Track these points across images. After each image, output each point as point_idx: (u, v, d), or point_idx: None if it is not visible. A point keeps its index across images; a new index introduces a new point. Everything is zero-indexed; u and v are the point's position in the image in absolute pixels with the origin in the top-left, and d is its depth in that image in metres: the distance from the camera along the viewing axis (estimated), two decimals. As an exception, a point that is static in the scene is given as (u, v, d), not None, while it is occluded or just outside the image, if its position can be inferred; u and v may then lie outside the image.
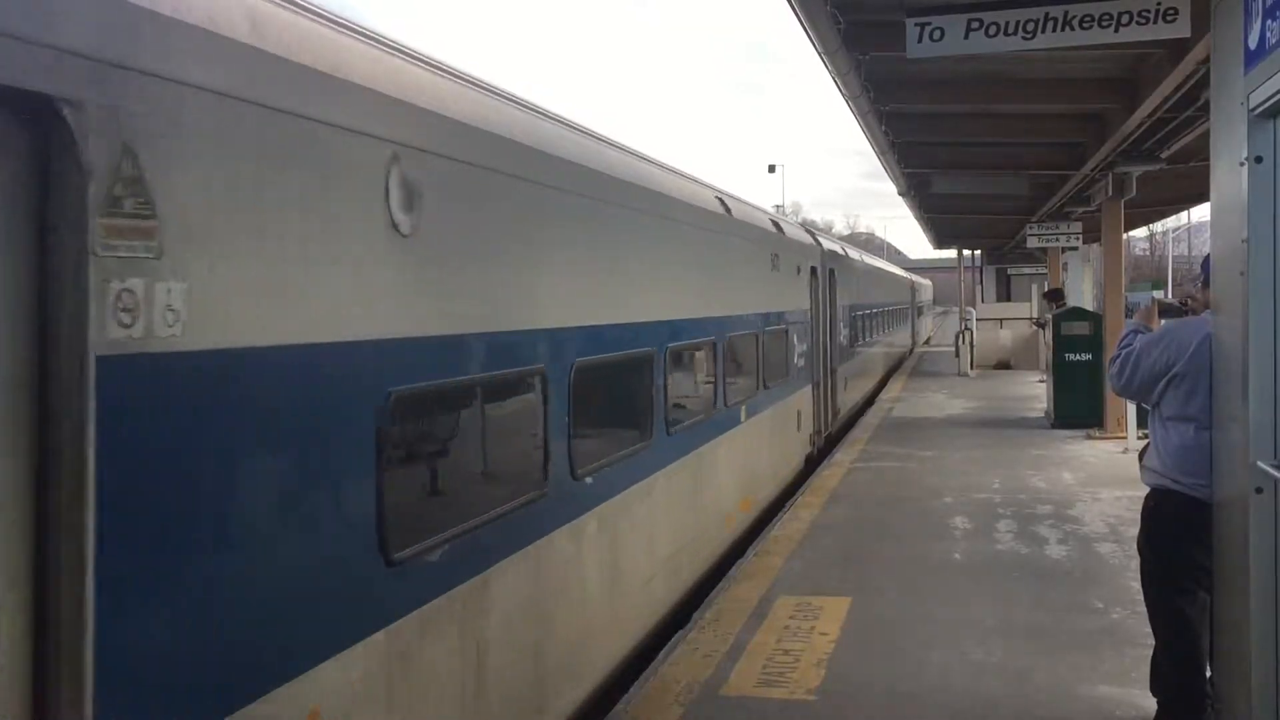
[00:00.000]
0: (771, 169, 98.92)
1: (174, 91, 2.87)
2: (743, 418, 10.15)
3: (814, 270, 14.57)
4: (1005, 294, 38.76)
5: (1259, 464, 4.12)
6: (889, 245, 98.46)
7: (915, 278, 46.73)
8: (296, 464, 3.39)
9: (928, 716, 5.78)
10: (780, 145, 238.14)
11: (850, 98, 11.21)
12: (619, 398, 7.12)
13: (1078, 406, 17.12)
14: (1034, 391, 22.93)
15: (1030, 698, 5.96)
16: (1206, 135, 5.14)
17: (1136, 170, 14.99)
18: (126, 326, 2.68)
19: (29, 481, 2.57)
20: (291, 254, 3.33)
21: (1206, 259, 5.20)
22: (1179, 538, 5.14)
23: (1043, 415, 18.92)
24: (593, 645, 6.08)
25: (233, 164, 3.10)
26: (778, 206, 35.57)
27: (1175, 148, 13.87)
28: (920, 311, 49.43)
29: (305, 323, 3.39)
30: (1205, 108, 9.61)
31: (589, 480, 5.94)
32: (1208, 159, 4.91)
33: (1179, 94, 10.60)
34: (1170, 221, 52.27)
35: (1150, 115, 11.75)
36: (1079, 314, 18.46)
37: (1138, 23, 7.43)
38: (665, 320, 7.54)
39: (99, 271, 2.61)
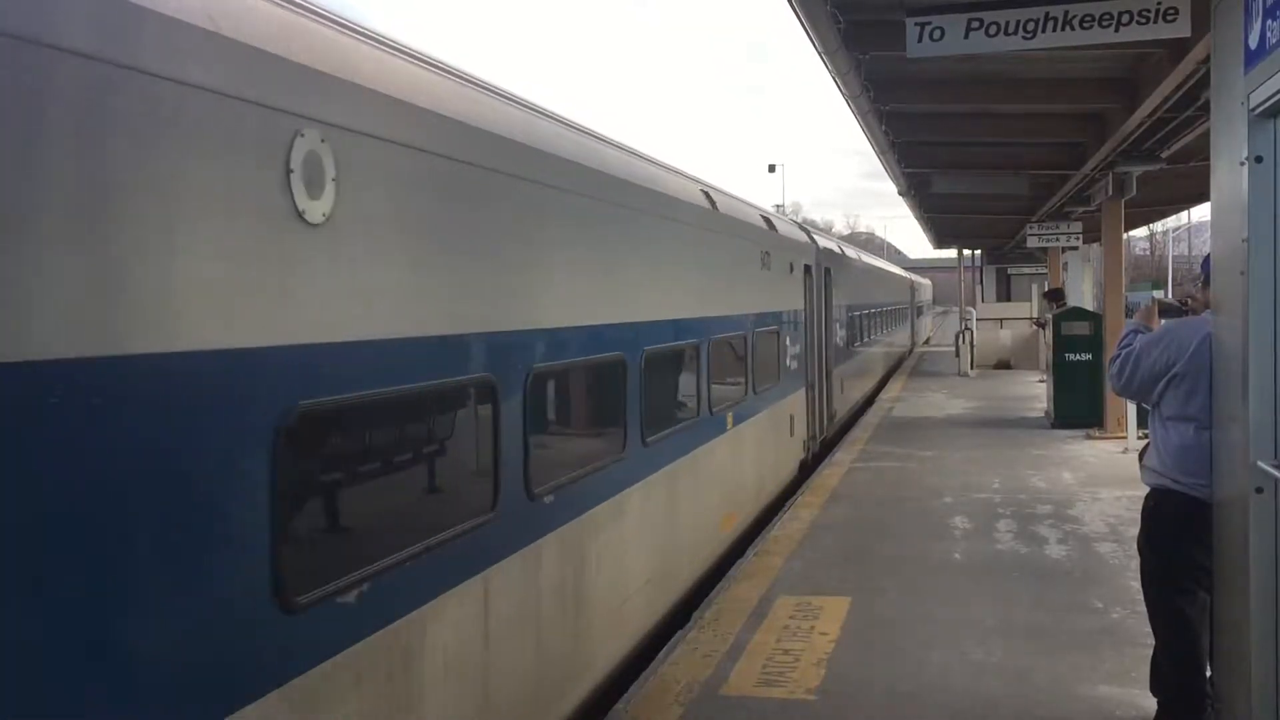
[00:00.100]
0: (771, 169, 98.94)
1: None
2: (729, 425, 9.58)
3: (808, 269, 14.10)
4: (1005, 294, 38.77)
5: (1259, 464, 4.12)
6: (889, 245, 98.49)
7: (915, 277, 46.67)
8: (164, 493, 2.86)
9: (927, 716, 5.78)
10: (780, 145, 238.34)
11: (850, 97, 11.21)
12: (585, 407, 6.59)
13: (1078, 406, 17.13)
14: (1034, 391, 22.93)
15: (1030, 698, 5.96)
16: (1206, 135, 5.14)
17: (1136, 170, 14.99)
18: None
19: None
20: (151, 244, 2.81)
21: (1206, 259, 5.20)
22: (1179, 538, 5.14)
23: (1043, 415, 18.92)
24: (549, 685, 5.45)
25: (62, 135, 2.57)
26: (778, 206, 35.57)
27: (1175, 147, 13.87)
28: (920, 311, 49.37)
29: (160, 327, 2.84)
30: (1205, 107, 9.63)
31: (548, 500, 5.36)
32: (1208, 159, 4.92)
33: (1179, 94, 10.60)
34: (1170, 221, 52.34)
35: (1150, 115, 11.75)
36: (1079, 314, 18.46)
37: (1138, 22, 7.43)
38: (640, 322, 6.95)
39: None
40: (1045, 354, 20.18)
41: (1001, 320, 33.78)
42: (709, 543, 8.95)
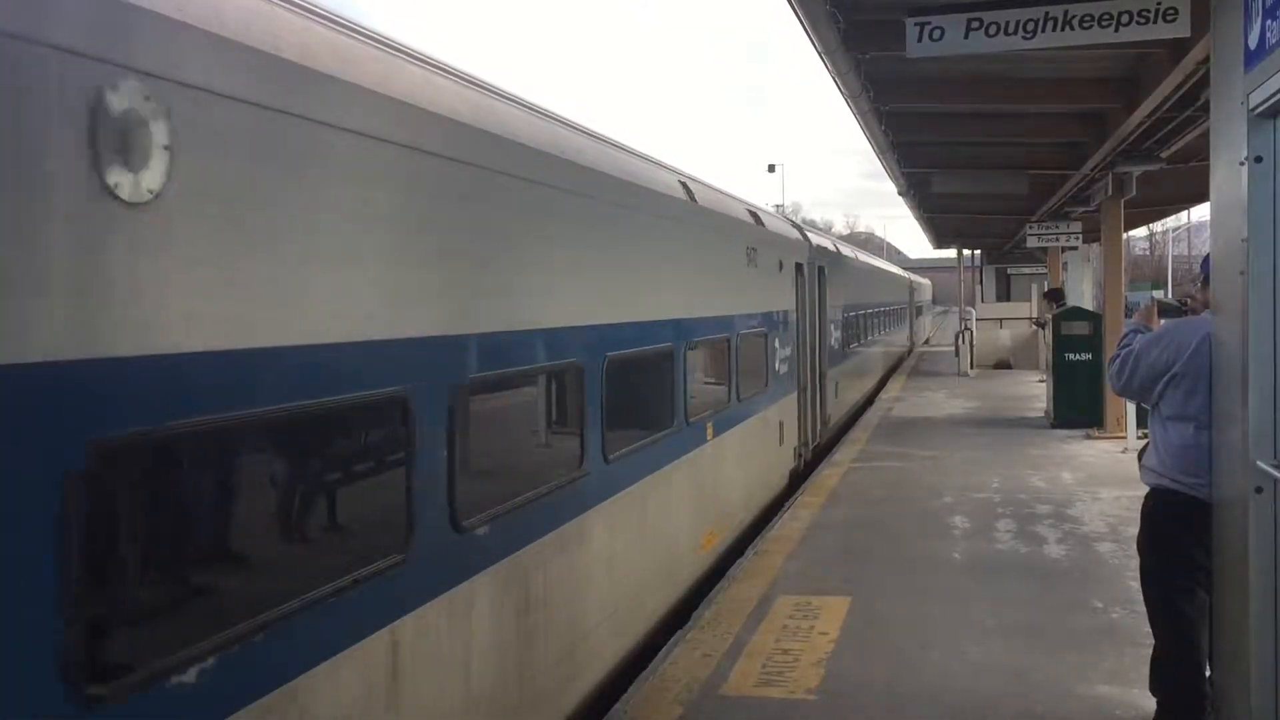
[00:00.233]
0: (771, 169, 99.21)
1: None
2: (709, 435, 8.86)
3: (800, 267, 13.48)
4: (1005, 294, 38.80)
5: (1259, 463, 4.12)
6: (889, 245, 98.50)
7: (914, 276, 46.61)
8: None
9: (927, 716, 5.78)
10: (780, 145, 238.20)
11: (850, 97, 11.20)
12: (531, 422, 5.86)
13: (1077, 406, 17.13)
14: (1034, 391, 22.93)
15: (1029, 697, 5.96)
16: (1206, 135, 5.14)
17: (1136, 170, 14.99)
18: None
19: None
20: None
21: (1206, 258, 5.20)
22: (1178, 538, 5.14)
23: (1042, 415, 18.92)
24: None
25: None
26: (778, 206, 35.53)
27: (1175, 147, 13.87)
28: (919, 311, 49.31)
29: None
30: (1205, 107, 9.61)
31: (481, 532, 4.66)
32: (1207, 159, 4.91)
33: (1179, 94, 10.60)
34: (1170, 221, 52.35)
35: (1150, 115, 11.75)
36: (1079, 314, 18.47)
37: (1138, 22, 7.43)
38: (602, 325, 6.31)
39: None
40: (1045, 354, 20.19)
41: (1001, 320, 33.80)
42: (685, 566, 8.25)
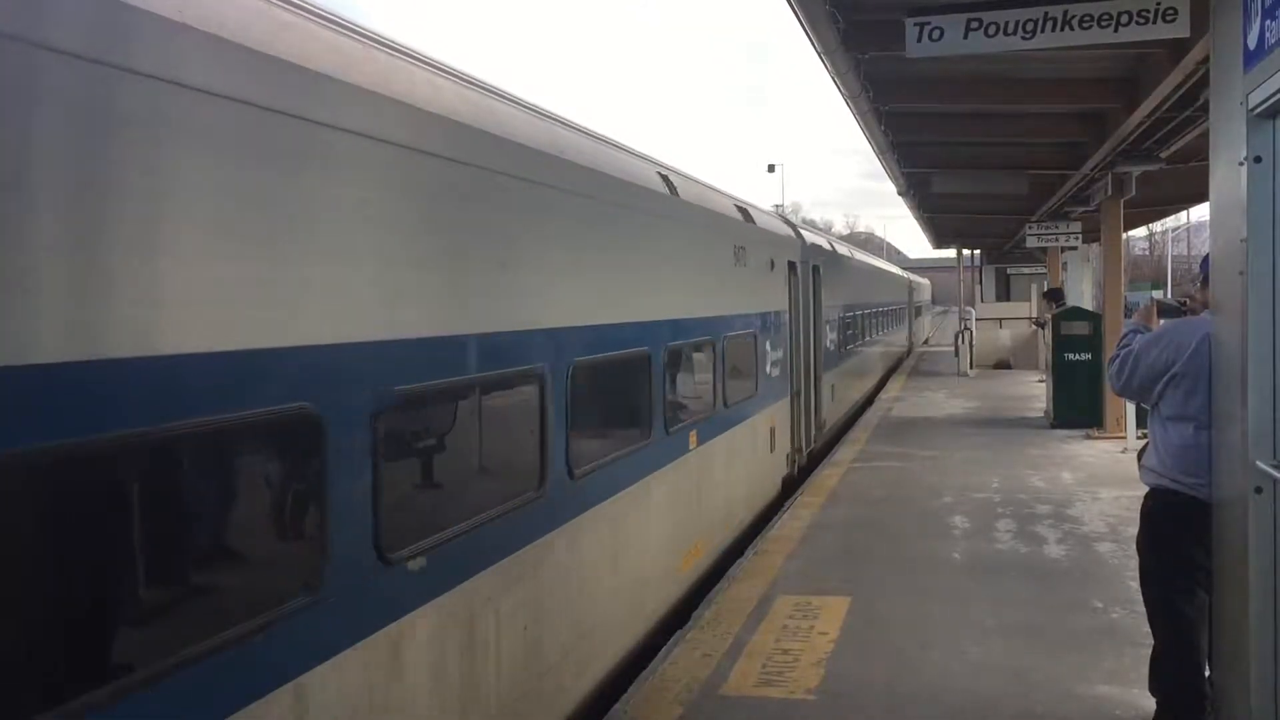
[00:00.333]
0: (771, 169, 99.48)
1: None
2: (692, 444, 8.35)
3: (793, 266, 12.99)
4: (1005, 294, 38.79)
5: (1258, 464, 4.12)
6: (889, 244, 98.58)
7: (913, 276, 46.57)
8: None
9: (927, 716, 5.78)
10: (780, 145, 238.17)
11: (850, 97, 11.20)
12: (480, 438, 5.17)
13: (1077, 406, 17.13)
14: (1033, 391, 22.93)
15: (1029, 697, 5.96)
16: (1206, 135, 5.14)
17: (1136, 170, 15.00)
18: None
19: None
20: None
21: (1205, 259, 5.20)
22: (1178, 538, 5.14)
23: (1042, 415, 18.93)
24: None
25: None
26: (778, 206, 35.49)
27: (1175, 147, 13.87)
28: (919, 311, 49.28)
29: None
30: (1205, 107, 9.63)
31: (415, 566, 4.13)
32: (1207, 159, 4.92)
33: (1179, 94, 10.60)
34: (1170, 221, 52.35)
35: (1150, 115, 11.75)
36: (1078, 314, 18.47)
37: (1137, 23, 7.42)
38: (567, 328, 5.79)
39: None
40: (1045, 354, 20.20)
41: (1001, 320, 33.79)
42: (662, 589, 7.63)
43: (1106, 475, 12.83)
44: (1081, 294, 21.47)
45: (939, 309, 73.80)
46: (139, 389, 2.81)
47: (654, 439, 7.39)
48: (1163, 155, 14.29)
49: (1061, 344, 17.65)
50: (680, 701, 5.97)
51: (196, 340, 3.00)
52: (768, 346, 11.33)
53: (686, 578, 8.28)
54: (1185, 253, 62.53)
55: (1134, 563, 5.82)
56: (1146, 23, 7.41)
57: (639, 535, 7.07)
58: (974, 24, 7.79)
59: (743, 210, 10.96)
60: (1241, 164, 4.19)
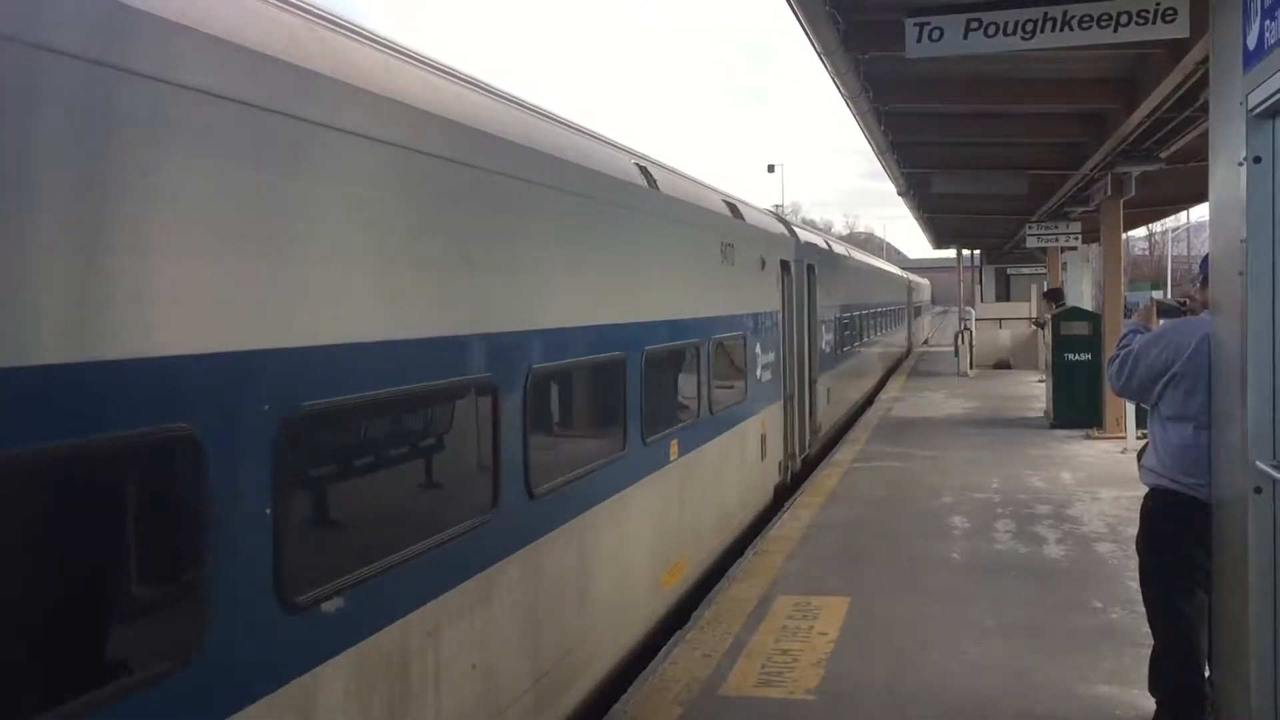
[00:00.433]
0: (771, 169, 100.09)
1: None
2: (673, 455, 7.83)
3: (786, 265, 12.50)
4: (1005, 294, 38.79)
5: (1258, 464, 4.12)
6: (888, 245, 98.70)
7: (912, 276, 46.53)
8: None
9: (927, 716, 5.78)
10: (780, 145, 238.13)
11: (849, 98, 11.21)
12: (425, 454, 4.63)
13: (1077, 406, 17.14)
14: (1033, 391, 22.95)
15: (1029, 697, 5.96)
16: (1205, 135, 5.14)
17: (1136, 170, 15.01)
18: None
19: None
20: None
21: (1205, 259, 5.21)
22: (1178, 538, 5.15)
23: (1042, 415, 18.93)
24: None
25: None
26: (777, 206, 35.44)
27: (1174, 148, 13.88)
28: (918, 312, 49.24)
29: None
30: (1204, 108, 9.63)
31: (330, 607, 3.55)
32: (1207, 159, 4.92)
33: (1178, 94, 10.61)
34: (1169, 221, 52.35)
35: (1150, 115, 11.76)
36: (1078, 314, 18.49)
37: (1136, 23, 7.43)
38: (527, 331, 5.28)
39: None
40: (1044, 354, 20.20)
41: (1001, 320, 33.79)
42: (640, 610, 7.13)
43: (1106, 475, 12.83)
44: (1081, 294, 21.49)
45: (939, 309, 73.81)
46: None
47: (630, 450, 6.86)
48: (1162, 155, 14.30)
49: (1061, 344, 17.66)
50: (680, 701, 5.97)
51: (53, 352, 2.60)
52: (758, 349, 10.89)
53: (669, 595, 7.82)
54: (1185, 253, 62.54)
55: (1134, 563, 5.83)
56: (1146, 23, 7.41)
57: (613, 555, 6.53)
58: (974, 24, 7.79)
59: (731, 206, 10.46)
60: (1241, 164, 4.19)
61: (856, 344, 20.92)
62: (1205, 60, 7.51)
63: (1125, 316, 14.37)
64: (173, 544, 2.98)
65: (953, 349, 32.20)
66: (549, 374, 5.57)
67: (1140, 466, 5.51)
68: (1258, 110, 4.06)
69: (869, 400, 22.92)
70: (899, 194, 20.55)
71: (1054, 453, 14.90)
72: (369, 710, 3.80)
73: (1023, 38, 7.71)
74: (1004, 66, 10.92)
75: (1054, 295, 20.73)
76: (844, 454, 14.96)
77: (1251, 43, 4.11)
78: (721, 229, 9.61)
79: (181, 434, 2.92)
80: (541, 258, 5.57)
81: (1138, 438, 13.19)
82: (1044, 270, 30.12)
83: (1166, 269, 55.66)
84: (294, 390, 3.42)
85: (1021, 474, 13.13)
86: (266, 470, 3.26)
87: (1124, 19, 7.45)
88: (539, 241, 5.54)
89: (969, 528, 10.17)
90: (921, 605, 7.68)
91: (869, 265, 26.56)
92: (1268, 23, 3.92)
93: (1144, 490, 5.42)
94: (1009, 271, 39.44)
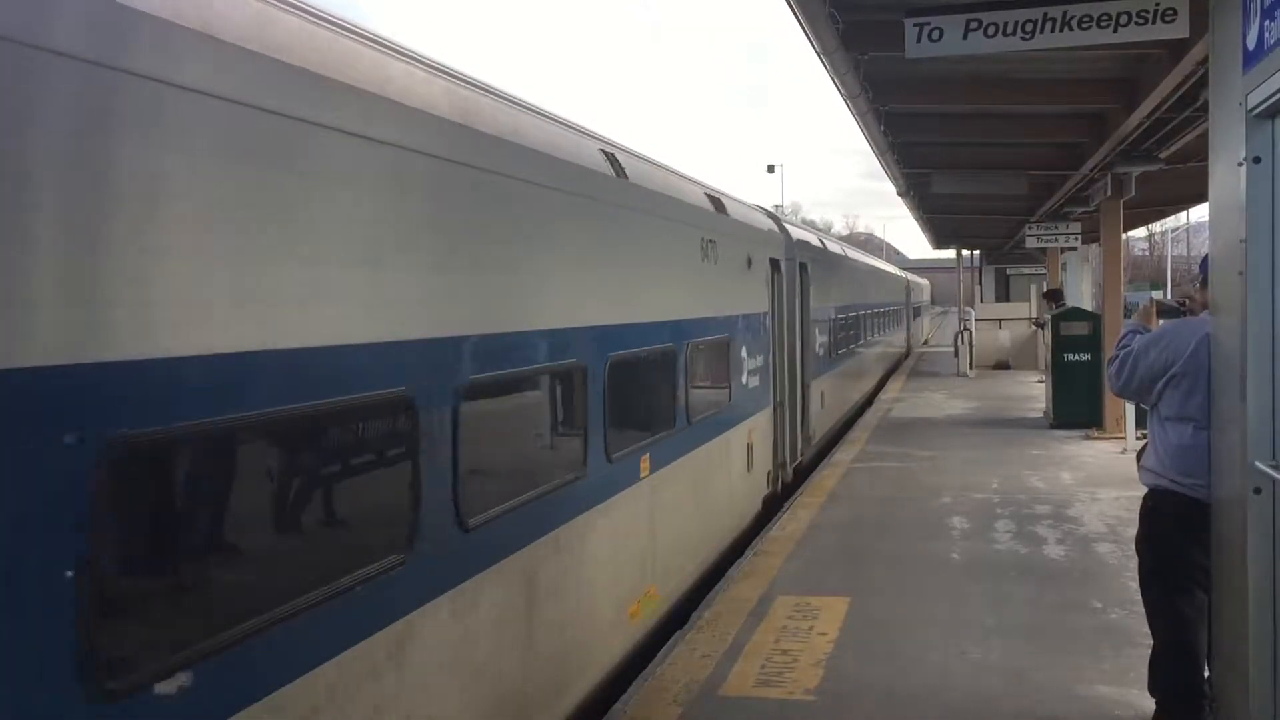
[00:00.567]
0: (770, 169, 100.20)
1: None
2: (644, 472, 7.13)
3: (776, 263, 11.89)
4: (1004, 294, 38.80)
5: (1257, 464, 4.12)
6: (888, 245, 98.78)
7: (911, 276, 46.47)
8: None
9: (926, 717, 5.78)
10: (780, 145, 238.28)
11: (849, 98, 11.21)
12: (325, 486, 3.87)
13: (1077, 407, 17.15)
14: (1033, 392, 22.96)
15: (1029, 697, 5.96)
16: (1205, 135, 5.14)
17: (1135, 170, 15.01)
18: None
19: None
20: None
21: (1205, 259, 5.21)
22: (1177, 538, 5.15)
23: (1041, 415, 18.94)
24: None
25: None
26: (777, 206, 35.47)
27: (1174, 148, 13.88)
28: (917, 312, 49.18)
29: None
30: (1204, 108, 9.62)
31: (172, 692, 2.90)
32: (1206, 159, 4.92)
33: (1178, 94, 10.61)
34: (1169, 222, 52.38)
35: (1149, 115, 11.76)
36: (1078, 314, 18.51)
37: (1136, 23, 7.43)
38: (458, 338, 4.57)
39: None
40: (1044, 354, 20.21)
41: (1000, 320, 33.80)
42: (600, 649, 6.33)
43: (1106, 476, 12.83)
44: (1081, 294, 21.51)
45: (939, 309, 73.82)
46: None
47: (590, 470, 6.10)
48: (1162, 156, 14.30)
49: (1061, 344, 17.67)
50: (679, 702, 5.97)
51: None
52: (744, 353, 10.21)
53: (638, 630, 7.06)
54: (1185, 253, 62.56)
55: (1133, 563, 5.83)
56: (1146, 23, 7.41)
57: (569, 589, 5.81)
58: (973, 24, 7.79)
59: (714, 200, 9.76)
60: (1241, 164, 4.19)
61: (853, 346, 20.46)
62: (1205, 60, 7.51)
63: (1125, 317, 14.38)
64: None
65: (952, 349, 32.19)
66: (485, 386, 4.84)
67: (1140, 467, 5.52)
68: (1257, 110, 4.06)
69: (868, 401, 22.89)
70: (899, 194, 20.56)
71: (1054, 453, 14.90)
72: None
73: (1022, 38, 7.71)
74: (1004, 67, 10.92)
75: (1054, 295, 20.76)
76: (844, 454, 14.97)
77: (1251, 43, 4.11)
78: (702, 224, 8.98)
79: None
80: (472, 252, 4.84)
81: (1137, 438, 13.19)
82: (1044, 270, 30.13)
83: (1166, 269, 55.68)
84: (107, 415, 2.76)
85: (1021, 474, 13.13)
86: (47, 518, 2.61)
87: (1124, 19, 7.45)
88: (469, 234, 4.76)
89: (969, 528, 10.17)
90: (921, 605, 7.68)
91: (866, 264, 26.27)
92: (1267, 23, 3.92)
93: (1143, 490, 5.43)
94: (1009, 272, 39.46)
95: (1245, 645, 4.24)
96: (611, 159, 6.90)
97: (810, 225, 26.86)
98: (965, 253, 37.38)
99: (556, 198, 5.81)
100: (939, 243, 36.78)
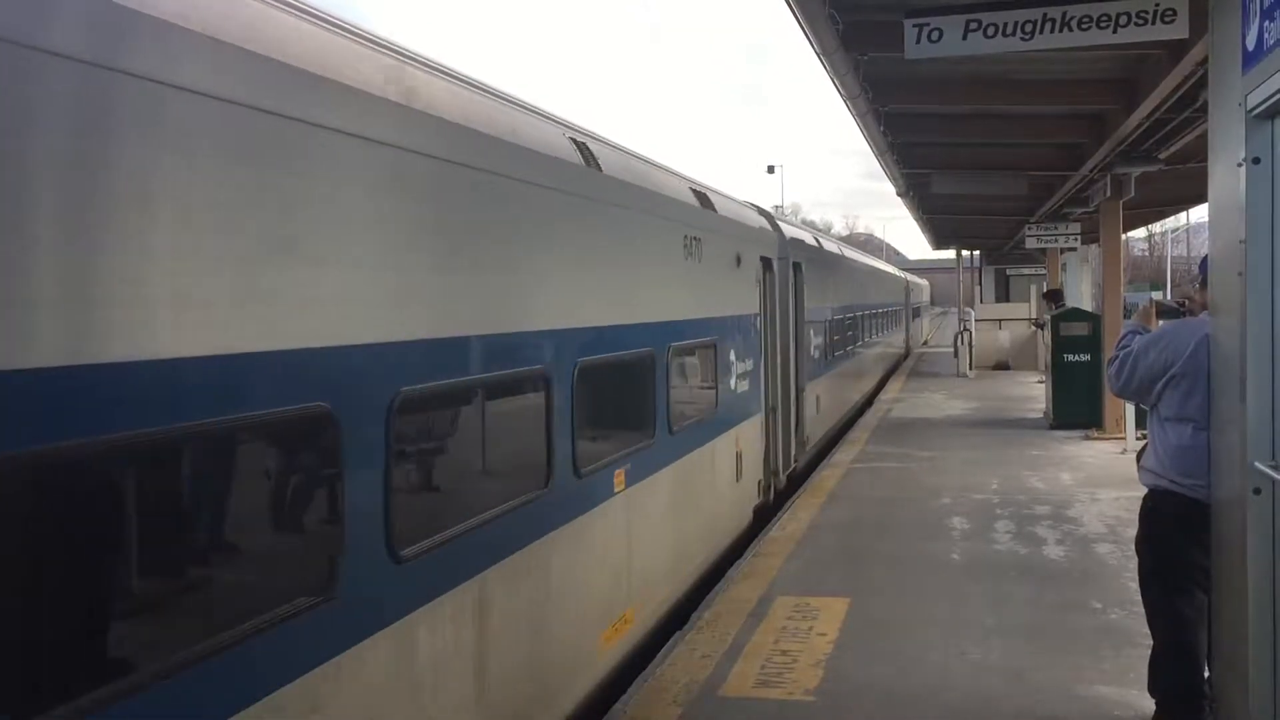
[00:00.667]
0: (770, 170, 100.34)
1: None
2: (617, 486, 6.63)
3: (768, 262, 11.45)
4: (1004, 294, 38.81)
5: (1256, 465, 4.12)
6: (888, 245, 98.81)
7: (911, 276, 46.42)
8: None
9: (926, 717, 5.78)
10: (780, 146, 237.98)
11: (849, 98, 11.21)
12: (233, 509, 3.37)
13: (1076, 407, 17.15)
14: (1033, 392, 22.96)
15: (1029, 698, 5.96)
16: (1205, 136, 5.15)
17: (1135, 171, 15.02)
18: None
19: None
20: None
21: (1204, 260, 5.21)
22: (1177, 538, 5.15)
23: (1041, 416, 18.94)
24: None
25: None
26: (777, 207, 35.44)
27: (1174, 148, 13.89)
28: (916, 313, 49.13)
29: None
30: (1204, 109, 9.63)
31: None
32: (1206, 160, 4.92)
33: (1178, 95, 10.62)
34: (1169, 222, 52.39)
35: (1149, 116, 11.77)
36: (1078, 315, 18.51)
37: (1136, 24, 7.43)
38: (392, 344, 4.05)
39: None
40: (1044, 355, 20.21)
41: (1000, 321, 33.80)
42: (568, 684, 5.85)
43: (1105, 476, 12.83)
44: (1081, 295, 21.51)
45: (938, 310, 73.79)
46: None
47: (554, 487, 5.61)
48: (1162, 156, 14.31)
49: (1061, 345, 17.68)
50: (679, 702, 5.97)
51: None
52: (732, 356, 9.72)
53: (612, 656, 6.58)
54: (1185, 253, 62.58)
55: (1133, 563, 5.83)
56: (1145, 24, 7.42)
57: (529, 621, 5.29)
58: (973, 25, 7.79)
59: (700, 195, 9.27)
60: (1240, 165, 4.20)
61: (851, 348, 19.88)
62: (1205, 61, 7.51)
63: (1125, 317, 14.39)
64: None
65: (952, 350, 32.19)
66: (423, 398, 4.31)
67: (1139, 467, 5.52)
68: (1257, 111, 4.06)
69: (868, 402, 22.88)
70: (899, 195, 20.56)
71: (1053, 453, 14.90)
72: None
73: (1022, 38, 7.71)
74: (1003, 67, 10.92)
75: (1053, 296, 20.77)
76: (844, 455, 14.97)
77: (1250, 43, 4.11)
78: (686, 220, 8.44)
79: None
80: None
81: (1137, 438, 13.19)
82: (1043, 271, 30.15)
83: (1166, 270, 55.71)
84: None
85: (1021, 475, 13.13)
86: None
87: (1123, 20, 7.45)
88: (395, 226, 4.18)
89: (968, 528, 10.17)
90: (921, 606, 7.68)
91: (864, 264, 25.99)
92: (1267, 23, 3.92)
93: (1143, 491, 5.43)
94: (1008, 272, 39.48)
95: (1245, 645, 4.25)
96: (582, 148, 6.40)
97: (810, 225, 26.85)
98: (965, 253, 37.38)
99: (526, 192, 5.37)
100: (939, 243, 36.79)
